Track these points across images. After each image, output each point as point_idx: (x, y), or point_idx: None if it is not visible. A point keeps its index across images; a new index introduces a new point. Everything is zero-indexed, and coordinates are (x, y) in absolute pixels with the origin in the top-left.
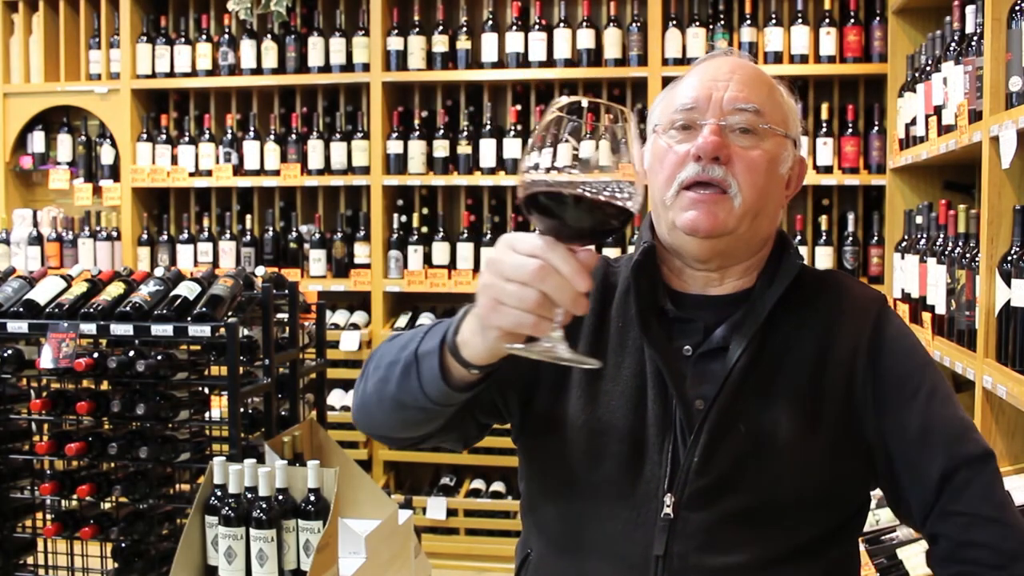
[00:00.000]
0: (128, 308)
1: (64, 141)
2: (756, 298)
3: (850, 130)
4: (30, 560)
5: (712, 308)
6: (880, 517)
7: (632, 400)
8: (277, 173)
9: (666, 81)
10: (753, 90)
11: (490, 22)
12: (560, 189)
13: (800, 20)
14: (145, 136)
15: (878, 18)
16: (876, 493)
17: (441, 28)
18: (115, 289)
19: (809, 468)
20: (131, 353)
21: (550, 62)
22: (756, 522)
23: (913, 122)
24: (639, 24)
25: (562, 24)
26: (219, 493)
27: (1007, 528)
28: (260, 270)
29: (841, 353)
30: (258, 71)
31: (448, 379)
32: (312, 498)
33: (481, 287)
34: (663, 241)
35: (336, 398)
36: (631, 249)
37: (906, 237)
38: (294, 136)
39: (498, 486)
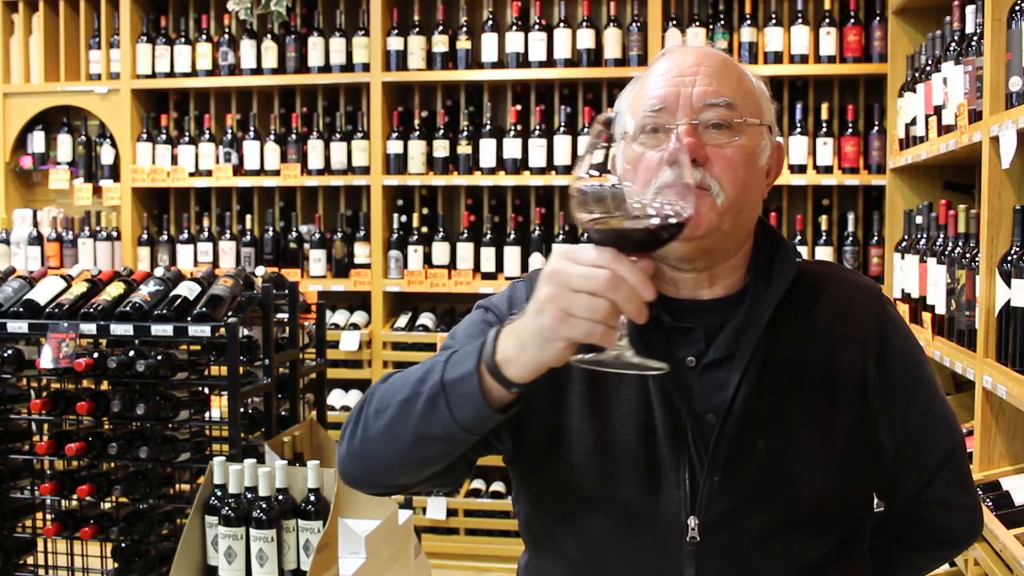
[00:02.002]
0: (128, 308)
1: (64, 141)
2: (754, 300)
3: (850, 130)
4: (30, 560)
5: (708, 313)
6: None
7: (639, 420)
8: (277, 173)
9: None
10: (723, 82)
11: (490, 22)
12: (614, 221)
13: (800, 20)
14: (145, 136)
15: (878, 18)
16: None
17: (441, 28)
18: (115, 289)
19: (829, 475)
20: (131, 353)
21: (550, 62)
22: (782, 539)
23: (913, 122)
24: (639, 24)
25: (562, 24)
26: (219, 493)
27: (970, 513)
28: (260, 270)
29: (848, 357)
30: (258, 71)
31: (489, 401)
32: (312, 498)
33: (546, 299)
34: None
35: (336, 398)
36: None
37: (906, 237)
38: (294, 136)
39: (498, 486)
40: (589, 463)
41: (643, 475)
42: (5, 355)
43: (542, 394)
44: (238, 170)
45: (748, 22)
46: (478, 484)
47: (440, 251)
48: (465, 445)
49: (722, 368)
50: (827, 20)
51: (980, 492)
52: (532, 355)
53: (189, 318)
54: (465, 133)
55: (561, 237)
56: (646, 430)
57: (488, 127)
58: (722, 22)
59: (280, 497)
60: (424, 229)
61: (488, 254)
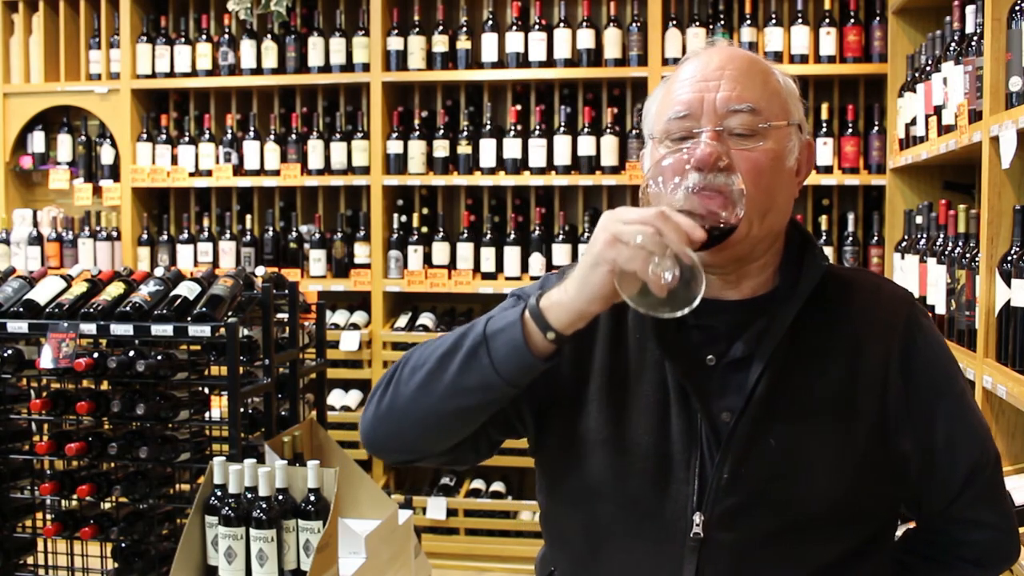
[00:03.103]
0: (128, 308)
1: (64, 141)
2: (780, 302)
3: (850, 130)
4: (30, 560)
5: (733, 313)
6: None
7: (655, 415)
8: (277, 173)
9: None
10: (747, 85)
11: (490, 22)
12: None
13: (800, 20)
14: (145, 136)
15: (878, 18)
16: None
17: (441, 28)
18: (115, 289)
19: (842, 481)
20: (131, 353)
21: (550, 62)
22: (788, 540)
23: (913, 122)
24: (639, 24)
25: (562, 24)
26: (219, 493)
27: (1002, 534)
28: (260, 270)
29: (872, 361)
30: (258, 71)
31: (531, 348)
32: (312, 498)
33: (599, 228)
34: None
35: (336, 398)
36: None
37: (906, 237)
38: (294, 136)
39: (498, 486)
40: (603, 455)
41: (654, 470)
42: (5, 355)
43: (565, 388)
44: (238, 170)
45: (748, 22)
46: (478, 484)
47: (440, 251)
48: (498, 402)
49: (742, 368)
50: (827, 20)
51: None
52: (575, 292)
53: (189, 318)
54: (465, 133)
55: (561, 237)
56: (661, 426)
57: (488, 127)
58: (722, 22)
59: (280, 497)
60: (424, 229)
61: (488, 254)
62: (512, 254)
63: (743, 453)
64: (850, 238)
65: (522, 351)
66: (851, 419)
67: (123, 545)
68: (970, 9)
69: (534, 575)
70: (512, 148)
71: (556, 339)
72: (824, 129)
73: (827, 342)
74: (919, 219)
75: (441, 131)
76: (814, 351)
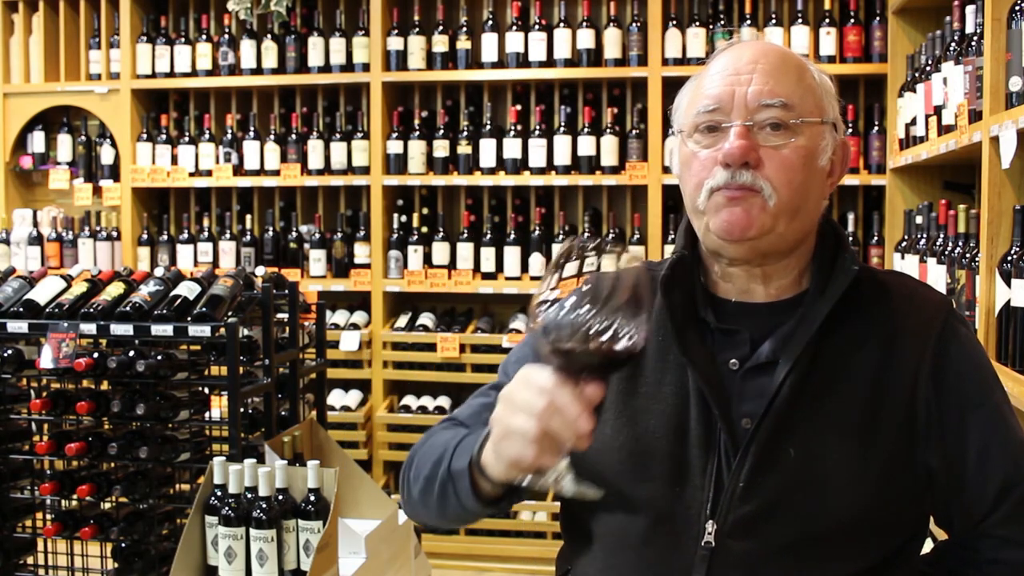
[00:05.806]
0: (128, 308)
1: (64, 141)
2: (807, 306)
3: (850, 130)
4: (30, 560)
5: (759, 317)
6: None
7: (674, 419)
8: (277, 173)
9: (666, 81)
10: (779, 80)
11: (490, 22)
12: (565, 345)
13: (800, 20)
14: (145, 136)
15: (878, 18)
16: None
17: (441, 28)
18: (115, 289)
19: (863, 494)
20: (131, 353)
21: (550, 62)
22: (803, 553)
23: (913, 122)
24: (639, 24)
25: (562, 24)
26: (219, 493)
27: None
28: (260, 270)
29: (902, 370)
30: (258, 71)
31: (480, 496)
32: (312, 498)
33: (495, 418)
34: (703, 244)
35: (336, 398)
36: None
37: (906, 237)
38: (294, 136)
39: None
40: (620, 460)
41: (670, 474)
42: (5, 355)
43: None
44: (238, 170)
45: (748, 22)
46: None
47: (440, 251)
48: (488, 512)
49: (765, 373)
50: (827, 20)
51: None
52: (494, 458)
53: (189, 318)
54: (465, 133)
55: (561, 237)
56: (680, 430)
57: (488, 127)
58: (722, 22)
59: (280, 497)
60: (424, 229)
61: (488, 254)
62: (512, 254)
63: (761, 461)
64: (850, 238)
65: (473, 500)
66: (876, 430)
67: (123, 545)
68: (970, 9)
69: (536, 575)
70: (512, 148)
71: (504, 487)
72: None
73: (856, 349)
74: (919, 219)
75: (441, 131)
76: (842, 358)
